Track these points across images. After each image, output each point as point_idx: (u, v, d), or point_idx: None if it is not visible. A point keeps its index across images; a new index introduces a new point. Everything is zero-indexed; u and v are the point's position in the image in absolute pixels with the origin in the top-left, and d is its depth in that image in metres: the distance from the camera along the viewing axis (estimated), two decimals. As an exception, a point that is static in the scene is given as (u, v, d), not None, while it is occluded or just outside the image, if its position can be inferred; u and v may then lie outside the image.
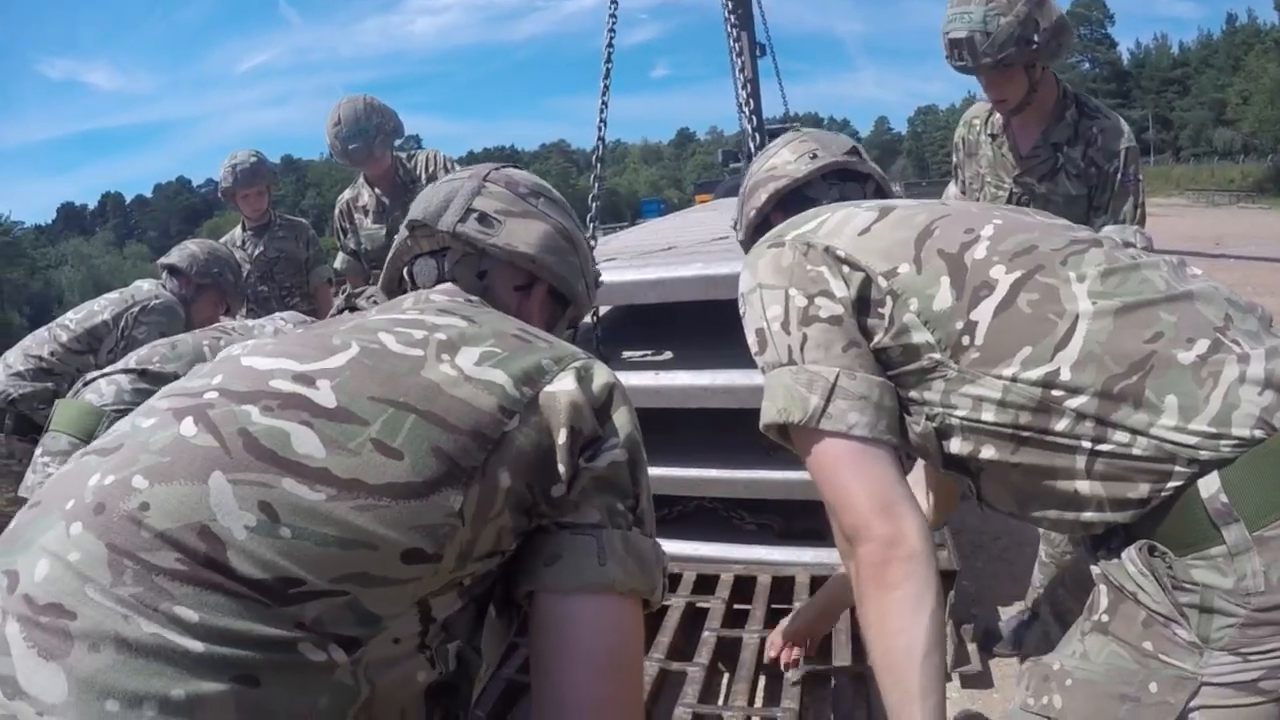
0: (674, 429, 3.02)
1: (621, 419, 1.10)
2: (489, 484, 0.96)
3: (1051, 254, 1.37)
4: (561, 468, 1.02)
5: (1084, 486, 1.25)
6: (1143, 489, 1.20)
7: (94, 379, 2.27)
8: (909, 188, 41.46)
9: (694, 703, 2.00)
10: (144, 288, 3.54)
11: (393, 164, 4.29)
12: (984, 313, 1.32)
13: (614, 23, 3.47)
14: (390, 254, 1.50)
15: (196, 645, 0.78)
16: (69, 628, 0.77)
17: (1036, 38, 2.49)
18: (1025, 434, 1.28)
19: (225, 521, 0.83)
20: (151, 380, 2.14)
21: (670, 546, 2.88)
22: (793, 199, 1.78)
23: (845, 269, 1.43)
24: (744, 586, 2.58)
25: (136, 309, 3.37)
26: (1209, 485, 1.15)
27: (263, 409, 0.93)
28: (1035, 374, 1.26)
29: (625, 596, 1.04)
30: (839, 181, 1.83)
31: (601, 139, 3.45)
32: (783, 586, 2.54)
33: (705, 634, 2.30)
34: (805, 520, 2.89)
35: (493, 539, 0.99)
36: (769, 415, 1.40)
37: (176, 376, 1.87)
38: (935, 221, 1.46)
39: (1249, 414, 1.15)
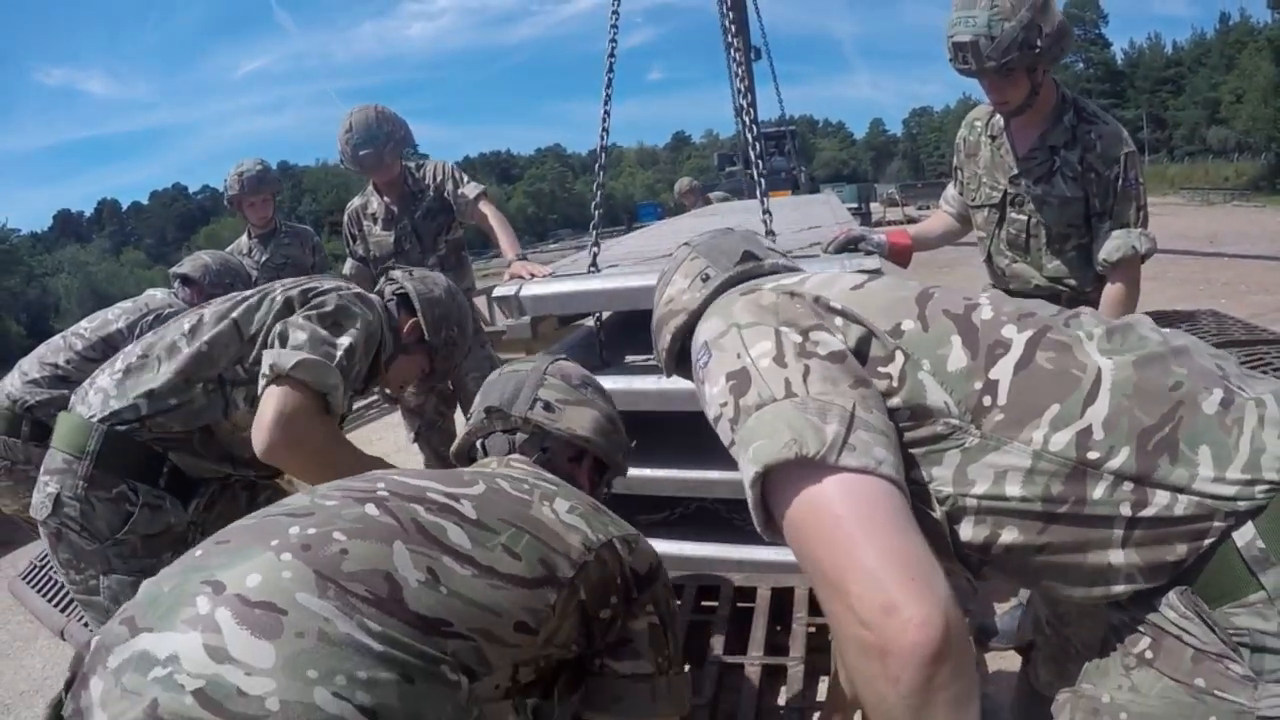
0: (677, 432, 3.07)
1: (659, 590, 1.50)
2: (573, 592, 1.33)
3: (1051, 318, 1.32)
4: (613, 598, 1.41)
5: (1117, 558, 1.15)
6: (1180, 550, 1.12)
7: (86, 389, 2.28)
8: (905, 189, 41.51)
9: None
10: (157, 296, 3.63)
11: (402, 172, 4.33)
12: (1003, 371, 1.23)
13: (615, 32, 3.49)
14: (466, 431, 1.93)
15: (377, 645, 1.07)
16: (280, 620, 1.05)
17: (1039, 42, 2.54)
18: (1058, 509, 1.16)
19: (404, 573, 1.16)
20: (136, 373, 2.21)
21: (673, 547, 2.99)
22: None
23: (840, 320, 1.33)
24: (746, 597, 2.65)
25: (151, 317, 3.45)
26: (1244, 535, 1.10)
27: (426, 508, 1.28)
28: (1067, 435, 1.17)
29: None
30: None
31: (604, 147, 3.50)
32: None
33: (708, 665, 2.39)
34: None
35: (567, 634, 1.33)
36: (768, 453, 1.15)
37: (159, 359, 2.21)
38: (931, 287, 1.40)
39: (1275, 456, 1.11)
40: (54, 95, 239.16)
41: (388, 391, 2.73)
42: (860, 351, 1.29)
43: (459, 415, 4.13)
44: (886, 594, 1.01)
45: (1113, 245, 2.75)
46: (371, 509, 1.25)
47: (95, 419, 2.17)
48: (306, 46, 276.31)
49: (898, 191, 39.93)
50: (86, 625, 3.49)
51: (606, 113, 3.47)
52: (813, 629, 2.47)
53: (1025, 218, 2.95)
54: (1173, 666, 1.14)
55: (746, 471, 1.19)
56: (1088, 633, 1.34)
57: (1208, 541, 1.11)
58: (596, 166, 3.49)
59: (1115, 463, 1.14)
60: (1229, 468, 1.11)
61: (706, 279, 1.67)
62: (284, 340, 2.13)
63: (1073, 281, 2.93)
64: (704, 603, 2.71)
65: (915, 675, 1.00)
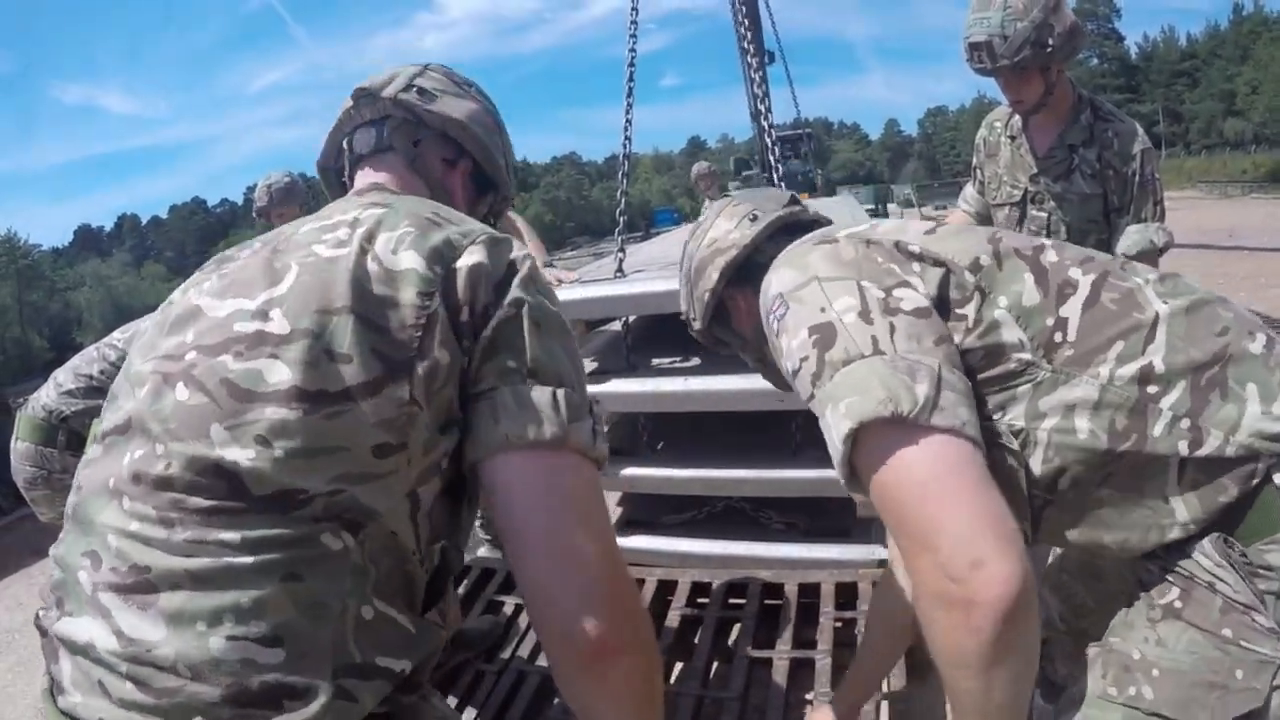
0: (703, 432, 3.12)
1: (517, 287, 1.16)
2: (429, 363, 1.07)
3: (1109, 262, 1.38)
4: (466, 340, 1.11)
5: (1175, 500, 1.21)
6: (1232, 492, 1.18)
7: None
8: (921, 189, 41.32)
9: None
10: None
11: None
12: (1073, 309, 1.28)
13: (634, 42, 3.55)
14: (331, 131, 1.60)
15: (247, 559, 0.97)
16: (150, 579, 0.97)
17: (1051, 40, 2.60)
18: (1121, 444, 1.21)
19: (231, 458, 0.99)
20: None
21: (701, 546, 3.04)
22: (747, 270, 1.64)
23: (919, 265, 1.35)
24: (773, 594, 2.69)
25: None
26: None
27: (234, 355, 1.06)
28: (1131, 369, 1.22)
29: (533, 449, 1.08)
30: (787, 238, 1.59)
31: (627, 154, 3.55)
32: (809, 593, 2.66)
33: (737, 660, 2.43)
34: (830, 519, 2.97)
35: (445, 410, 1.09)
36: (863, 409, 1.15)
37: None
38: (998, 230, 1.44)
39: None
40: (72, 112, 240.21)
41: None
42: (941, 297, 1.31)
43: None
44: (976, 550, 1.05)
45: (1130, 240, 2.81)
46: (182, 391, 1.05)
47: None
48: (322, 59, 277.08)
49: (914, 192, 39.85)
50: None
51: (629, 120, 3.52)
52: (839, 623, 2.49)
53: (1046, 215, 3.01)
54: (1201, 617, 1.19)
55: (838, 426, 1.18)
56: (1107, 614, 1.36)
57: (1254, 482, 1.17)
58: (620, 174, 3.56)
59: (1172, 397, 1.20)
60: (1274, 404, 1.18)
61: (755, 219, 1.67)
62: None
63: None
64: (732, 600, 2.74)
65: (997, 627, 1.03)
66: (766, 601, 2.68)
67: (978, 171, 3.33)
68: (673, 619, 2.68)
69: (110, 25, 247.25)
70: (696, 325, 1.81)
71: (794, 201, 1.73)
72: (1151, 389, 1.21)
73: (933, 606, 1.10)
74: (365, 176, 1.52)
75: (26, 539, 3.51)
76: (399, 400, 1.04)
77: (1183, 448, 1.19)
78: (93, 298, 70.24)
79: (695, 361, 3.13)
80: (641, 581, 2.88)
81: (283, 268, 1.14)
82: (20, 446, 3.27)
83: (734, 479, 2.91)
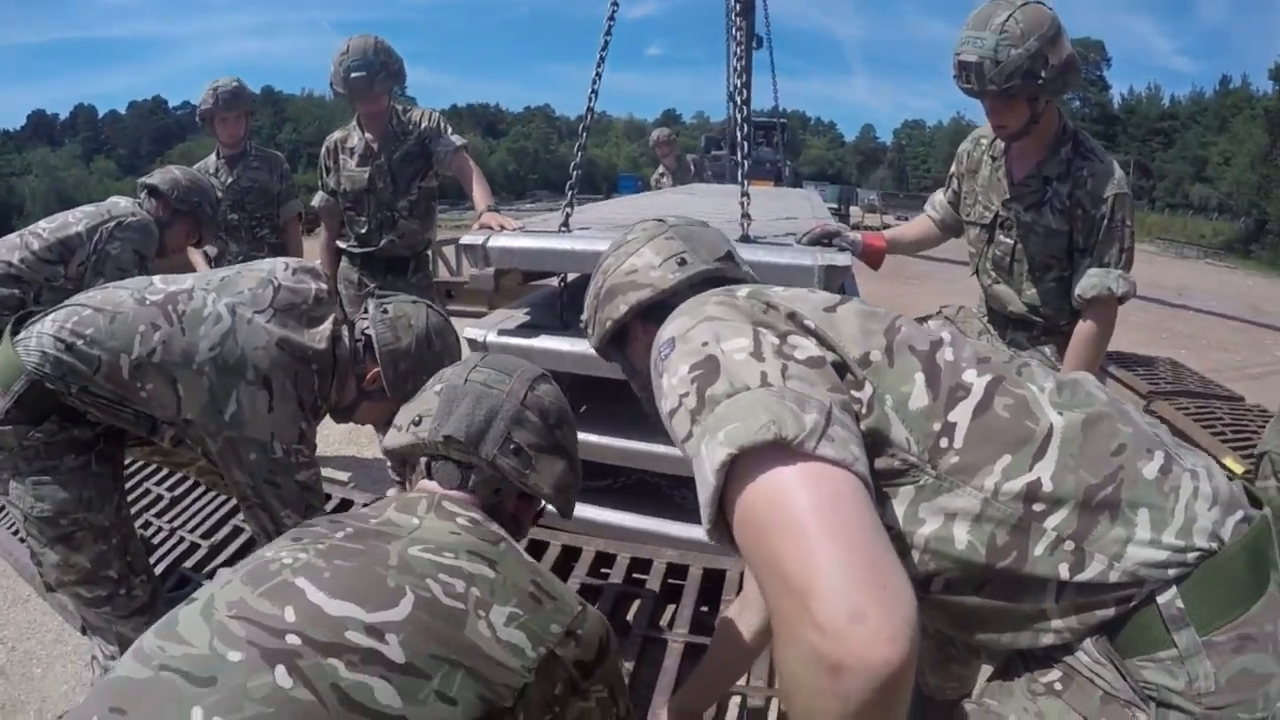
0: (629, 402, 3.05)
1: (607, 668, 1.38)
2: (514, 717, 1.19)
3: (1005, 365, 1.32)
4: (556, 707, 1.28)
5: (1050, 613, 1.18)
6: (1109, 612, 1.16)
7: (34, 325, 2.19)
8: (886, 198, 41.84)
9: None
10: (121, 204, 3.58)
11: (388, 110, 4.32)
12: (962, 415, 1.22)
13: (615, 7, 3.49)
14: (412, 441, 1.63)
15: None
16: None
17: (1044, 73, 2.53)
18: (1000, 561, 1.16)
19: None
20: (76, 356, 2.10)
21: (612, 516, 2.99)
22: (657, 309, 1.55)
23: (812, 341, 1.27)
24: (677, 574, 2.65)
25: (112, 224, 3.41)
26: (1166, 595, 1.14)
27: (347, 665, 1.10)
28: (1017, 485, 1.17)
29: None
30: (706, 289, 1.50)
31: (590, 109, 3.45)
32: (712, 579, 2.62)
33: (633, 634, 2.39)
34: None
35: None
36: (743, 435, 1.05)
37: (100, 365, 2.06)
38: (898, 319, 1.36)
39: (1204, 528, 1.16)
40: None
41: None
42: (836, 370, 1.24)
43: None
44: (856, 601, 0.90)
45: (1089, 283, 2.78)
46: (284, 677, 1.07)
47: (30, 366, 2.12)
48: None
49: (879, 198, 40.26)
50: (13, 531, 3.46)
51: (598, 74, 3.43)
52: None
53: (1011, 242, 2.99)
54: (1081, 703, 1.18)
55: (711, 457, 1.07)
56: (977, 652, 1.35)
57: (1134, 604, 1.15)
58: (580, 128, 3.46)
59: (1058, 517, 1.16)
60: (1164, 532, 1.15)
61: (683, 263, 1.60)
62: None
63: (1048, 312, 2.98)
64: (635, 575, 2.70)
65: (871, 696, 0.89)
66: (669, 581, 2.64)
67: (954, 180, 3.28)
68: (572, 587, 2.61)
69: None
70: (592, 342, 1.77)
71: (728, 257, 1.67)
72: (1037, 506, 1.17)
73: (794, 660, 0.96)
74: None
75: None
76: None
77: (1064, 570, 1.16)
78: (38, 187, 68.85)
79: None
80: (545, 545, 2.82)
81: (397, 590, 1.21)
82: None
83: (652, 453, 2.85)
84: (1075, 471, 1.18)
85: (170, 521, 3.40)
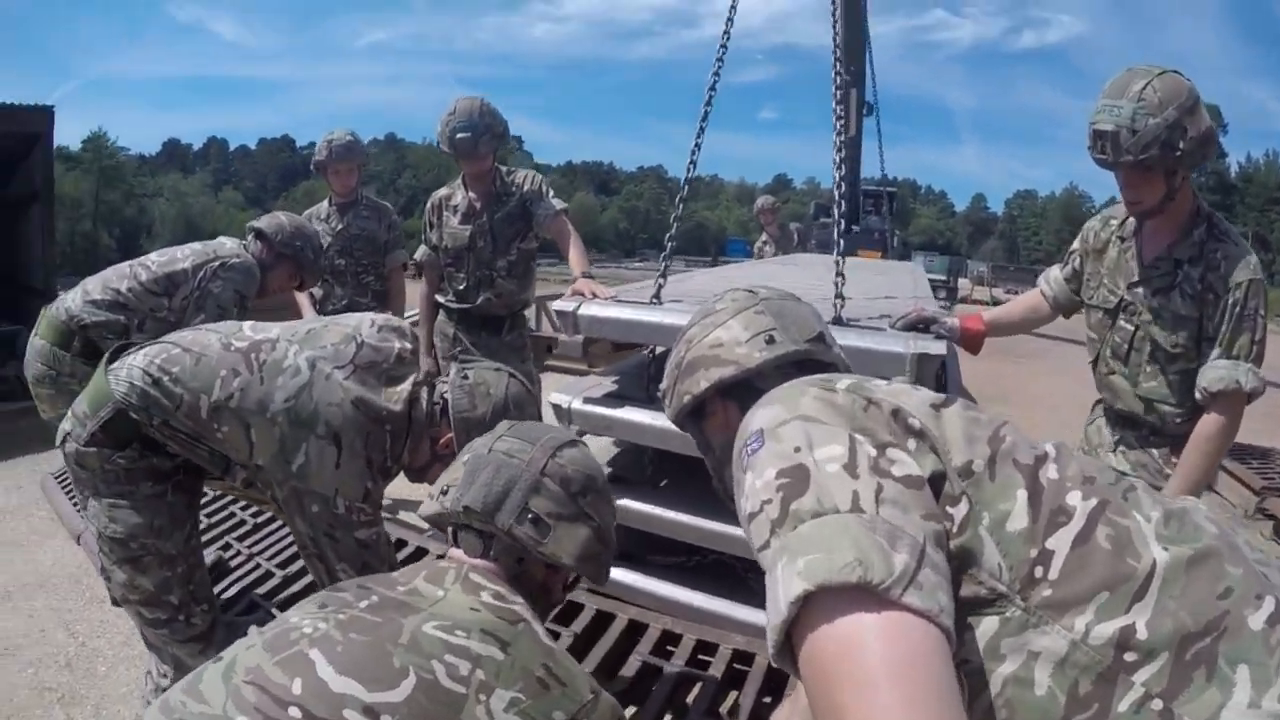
0: (707, 477, 3.01)
1: None
2: None
3: (1110, 488, 1.18)
4: None
5: None
6: None
7: (127, 357, 2.32)
8: (997, 270, 41.05)
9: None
10: (227, 245, 3.73)
11: (492, 171, 4.39)
12: (1061, 543, 1.09)
13: (720, 66, 3.48)
14: (436, 510, 1.71)
15: None
16: None
17: (1182, 144, 2.42)
18: (1078, 714, 1.02)
19: None
20: (162, 391, 2.20)
21: (683, 595, 2.93)
22: (740, 388, 1.51)
23: (914, 443, 1.16)
24: (743, 660, 2.58)
25: (217, 263, 3.55)
26: None
27: None
28: (1109, 629, 1.03)
29: None
30: (795, 372, 1.45)
31: (688, 179, 3.46)
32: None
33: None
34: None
35: None
36: (825, 570, 0.95)
37: (181, 403, 2.17)
38: (1004, 426, 1.23)
39: None
40: (182, 30, 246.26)
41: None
42: (933, 482, 1.12)
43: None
44: None
45: (1215, 375, 2.59)
46: None
47: (118, 395, 2.22)
48: (430, 28, 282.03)
49: (989, 270, 39.56)
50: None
51: (698, 145, 3.43)
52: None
53: (1132, 329, 2.82)
54: None
55: (787, 585, 0.98)
56: None
57: None
58: (677, 199, 3.46)
59: (1150, 670, 1.01)
60: (1266, 694, 0.99)
61: (771, 341, 1.53)
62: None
63: (1167, 407, 2.80)
64: (700, 657, 2.63)
65: None
66: (735, 666, 2.57)
67: (1074, 258, 3.11)
68: (634, 664, 2.57)
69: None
70: (669, 413, 1.69)
71: (820, 338, 1.58)
72: (1129, 656, 1.02)
73: None
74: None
75: (41, 427, 3.68)
76: None
77: None
78: (167, 210, 72.18)
79: (716, 406, 3.00)
80: (611, 618, 2.78)
81: (401, 671, 1.25)
82: (37, 343, 3.41)
83: (727, 535, 2.79)
84: (1175, 615, 1.03)
85: (250, 546, 3.46)
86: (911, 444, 1.14)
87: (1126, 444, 2.95)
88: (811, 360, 1.54)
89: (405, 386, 2.28)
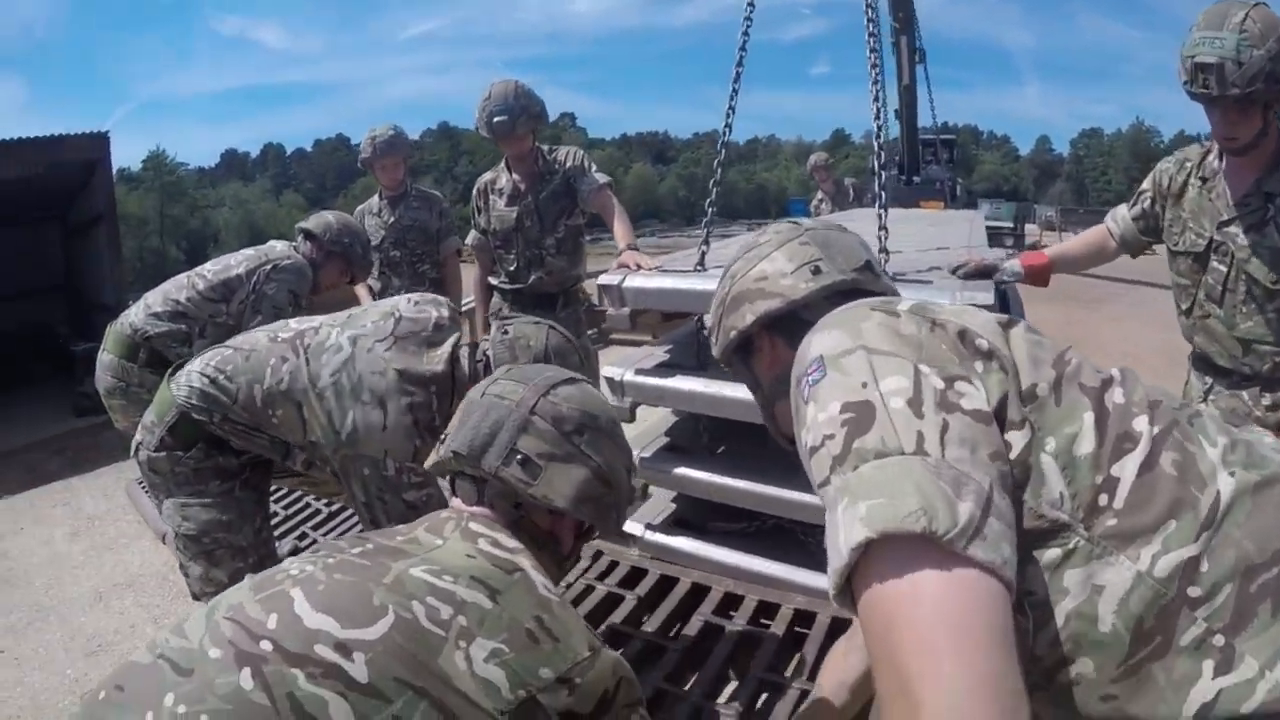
0: (762, 442, 3.00)
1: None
2: None
3: (1175, 411, 1.14)
4: None
5: None
6: None
7: (188, 366, 2.48)
8: (1065, 214, 40.09)
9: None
10: (277, 248, 3.86)
11: (533, 150, 4.42)
12: (1127, 469, 1.05)
13: (748, 24, 3.45)
14: (433, 460, 1.68)
15: None
16: None
17: None
18: (1141, 649, 0.99)
19: None
20: (219, 389, 2.36)
21: (744, 560, 2.94)
22: (786, 321, 1.47)
23: (982, 364, 1.13)
24: (802, 621, 2.59)
25: (269, 266, 3.68)
26: None
27: (308, 676, 1.13)
28: (1174, 560, 1.00)
29: None
30: (843, 302, 1.37)
31: (725, 143, 3.46)
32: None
33: (749, 676, 2.34)
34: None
35: None
36: (889, 518, 0.93)
37: (237, 395, 2.30)
38: (1068, 350, 1.20)
39: None
40: (228, 43, 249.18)
41: None
42: (999, 410, 1.08)
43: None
44: (970, 711, 0.84)
45: None
46: (247, 679, 1.12)
47: (179, 399, 2.39)
48: (474, 14, 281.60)
49: (1057, 215, 38.65)
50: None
51: (731, 108, 3.42)
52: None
53: (1226, 269, 2.69)
54: None
55: (849, 530, 0.96)
56: None
57: None
58: (715, 164, 3.47)
59: (1214, 604, 0.98)
60: None
61: (818, 271, 1.47)
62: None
63: (1265, 347, 2.67)
64: (761, 619, 2.65)
65: None
66: (796, 628, 2.58)
67: (1145, 199, 3.00)
68: (696, 624, 2.61)
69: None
70: (715, 350, 1.64)
71: (867, 267, 1.52)
72: (1193, 591, 0.99)
73: None
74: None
75: (122, 437, 3.87)
76: None
77: (1207, 669, 0.97)
78: (231, 218, 73.80)
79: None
80: (675, 581, 2.80)
81: (379, 609, 1.23)
82: (105, 358, 3.55)
83: (785, 500, 2.79)
84: (1239, 544, 1.00)
85: (325, 534, 3.54)
86: (979, 366, 1.12)
87: (1216, 391, 2.85)
88: (859, 290, 1.47)
89: (445, 348, 2.39)
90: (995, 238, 16.65)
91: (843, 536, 0.96)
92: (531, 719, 1.22)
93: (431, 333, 2.42)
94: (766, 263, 1.52)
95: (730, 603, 2.73)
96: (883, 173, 3.18)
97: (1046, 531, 1.04)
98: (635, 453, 3.16)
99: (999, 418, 1.07)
